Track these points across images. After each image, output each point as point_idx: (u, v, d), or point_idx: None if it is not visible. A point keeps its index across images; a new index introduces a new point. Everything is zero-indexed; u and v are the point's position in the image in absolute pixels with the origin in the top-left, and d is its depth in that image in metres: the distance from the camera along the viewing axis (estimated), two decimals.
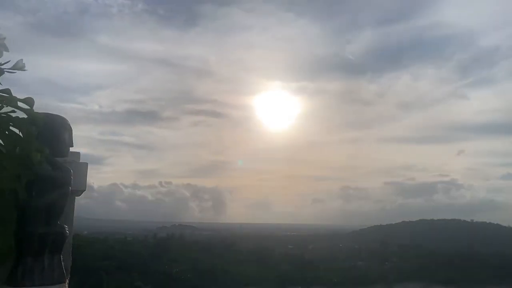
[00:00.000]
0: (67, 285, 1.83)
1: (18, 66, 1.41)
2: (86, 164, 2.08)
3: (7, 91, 1.34)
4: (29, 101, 1.37)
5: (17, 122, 1.33)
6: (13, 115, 1.35)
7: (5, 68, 1.37)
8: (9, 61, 1.38)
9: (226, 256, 64.85)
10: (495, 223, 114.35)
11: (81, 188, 2.02)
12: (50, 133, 1.75)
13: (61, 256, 1.81)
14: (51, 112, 1.84)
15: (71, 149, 1.94)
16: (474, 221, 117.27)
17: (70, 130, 1.90)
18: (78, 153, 2.08)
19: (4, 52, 1.35)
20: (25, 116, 1.37)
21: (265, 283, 56.55)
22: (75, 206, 2.08)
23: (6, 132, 1.32)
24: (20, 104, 1.35)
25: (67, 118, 1.91)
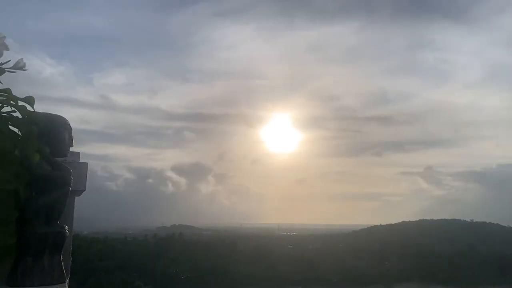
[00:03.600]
0: (67, 285, 1.83)
1: (19, 66, 1.40)
2: (86, 164, 2.08)
3: (8, 90, 1.34)
4: (30, 100, 1.37)
5: (16, 121, 1.33)
6: (14, 114, 1.35)
7: (6, 68, 1.37)
8: (10, 60, 1.38)
9: (226, 256, 64.86)
10: (495, 223, 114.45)
11: (81, 188, 2.02)
12: (50, 133, 1.75)
13: (61, 256, 1.81)
14: (51, 112, 1.84)
15: (71, 149, 1.93)
16: (474, 221, 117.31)
17: (70, 130, 1.90)
18: (78, 153, 2.08)
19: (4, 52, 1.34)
20: (25, 115, 1.36)
21: (265, 283, 56.56)
22: (75, 206, 2.08)
23: (4, 132, 1.31)
24: (20, 103, 1.35)
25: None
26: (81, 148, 2.09)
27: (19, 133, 1.38)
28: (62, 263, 1.82)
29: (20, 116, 1.35)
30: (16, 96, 1.34)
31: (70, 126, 1.91)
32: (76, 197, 2.06)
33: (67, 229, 1.83)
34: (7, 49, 1.34)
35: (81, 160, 2.12)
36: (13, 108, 1.34)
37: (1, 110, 1.34)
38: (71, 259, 2.02)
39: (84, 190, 2.06)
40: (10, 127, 1.35)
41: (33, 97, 1.38)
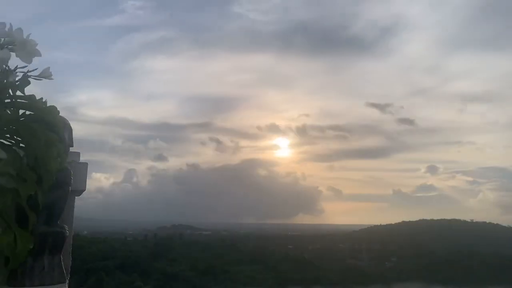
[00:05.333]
0: (67, 285, 1.83)
1: (45, 74, 1.39)
2: (86, 164, 2.08)
3: (32, 97, 1.34)
4: (52, 109, 1.37)
5: (38, 129, 1.32)
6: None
7: (32, 75, 1.36)
8: (37, 68, 1.36)
9: (226, 256, 64.86)
10: (495, 223, 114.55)
11: (81, 188, 2.02)
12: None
13: (61, 256, 1.81)
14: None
15: (71, 149, 1.93)
16: (474, 221, 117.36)
17: (70, 129, 1.90)
18: (78, 153, 2.08)
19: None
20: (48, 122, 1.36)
21: (265, 283, 56.54)
22: (75, 206, 2.08)
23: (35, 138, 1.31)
24: (43, 110, 1.34)
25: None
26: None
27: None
28: (62, 263, 1.81)
29: (40, 123, 1.34)
30: (40, 101, 1.34)
31: (70, 126, 1.91)
32: (76, 197, 2.06)
33: (67, 229, 1.83)
34: (40, 55, 1.34)
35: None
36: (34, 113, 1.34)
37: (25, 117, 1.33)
38: (71, 259, 2.02)
39: (84, 190, 2.06)
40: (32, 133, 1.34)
41: (55, 106, 1.38)
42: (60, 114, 1.94)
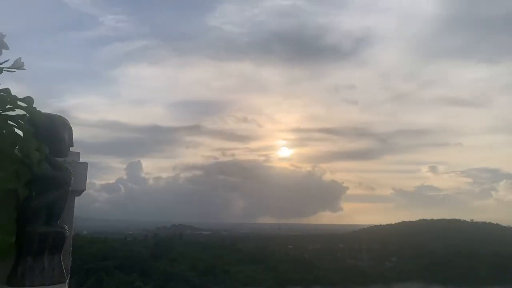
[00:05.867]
0: (67, 285, 1.83)
1: (17, 65, 1.39)
2: (86, 164, 2.07)
3: (6, 90, 1.34)
4: (28, 100, 1.36)
5: (15, 121, 1.32)
6: (13, 114, 1.34)
7: (4, 67, 1.36)
8: (8, 60, 1.37)
9: (226, 256, 64.87)
10: (495, 223, 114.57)
11: (81, 188, 2.02)
12: (50, 133, 1.75)
13: (61, 256, 1.81)
14: (51, 112, 1.84)
15: (71, 149, 1.93)
16: (474, 221, 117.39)
17: (70, 129, 1.90)
18: (78, 153, 2.08)
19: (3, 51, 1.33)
20: (25, 115, 1.36)
21: (265, 283, 56.55)
22: (75, 206, 2.08)
23: (4, 131, 1.31)
24: (19, 103, 1.34)
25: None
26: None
27: (19, 132, 1.37)
28: (62, 263, 1.82)
29: (19, 115, 1.35)
30: (15, 96, 1.34)
31: (70, 126, 1.91)
32: (76, 197, 2.06)
33: (67, 229, 1.83)
34: (7, 48, 1.34)
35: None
36: (10, 107, 1.34)
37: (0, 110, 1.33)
38: (71, 259, 2.02)
39: (84, 190, 2.06)
40: (10, 126, 1.34)
41: (31, 97, 1.38)
42: (59, 115, 1.94)
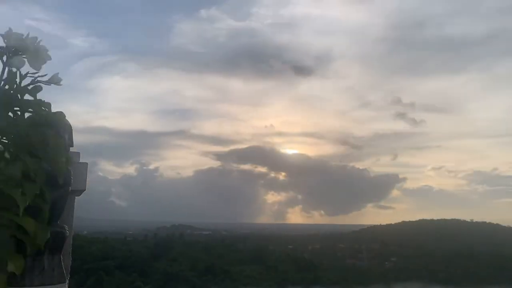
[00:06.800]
0: (67, 285, 1.83)
1: (55, 80, 1.40)
2: (86, 164, 2.08)
3: (48, 105, 1.35)
4: (60, 115, 1.38)
5: (48, 133, 1.33)
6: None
7: (41, 81, 1.36)
8: (47, 74, 1.37)
9: (226, 256, 64.88)
10: (495, 223, 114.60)
11: (81, 188, 2.02)
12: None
13: (61, 256, 1.81)
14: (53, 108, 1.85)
15: (71, 149, 1.94)
16: (474, 221, 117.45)
17: (70, 130, 1.90)
18: (78, 153, 2.08)
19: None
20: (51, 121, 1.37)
21: (265, 283, 56.56)
22: (75, 206, 2.08)
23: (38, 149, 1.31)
24: (51, 115, 1.36)
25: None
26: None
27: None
28: (62, 263, 1.82)
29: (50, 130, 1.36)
30: (48, 105, 1.35)
31: (70, 126, 1.91)
32: (76, 197, 2.06)
33: (67, 229, 1.83)
34: (50, 58, 1.34)
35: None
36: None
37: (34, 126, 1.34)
38: (71, 259, 2.02)
39: (84, 190, 2.06)
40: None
41: (63, 112, 1.40)
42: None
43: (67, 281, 1.84)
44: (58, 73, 1.40)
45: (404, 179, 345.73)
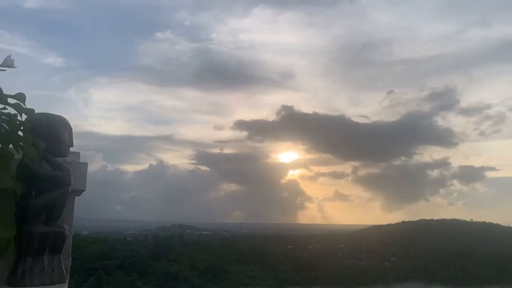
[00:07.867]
0: (67, 285, 1.83)
1: (8, 64, 1.37)
2: (86, 164, 2.08)
3: (21, 97, 1.33)
4: (20, 96, 1.35)
5: (8, 117, 1.31)
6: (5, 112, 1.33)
7: None
8: None
9: (226, 256, 64.88)
10: (495, 223, 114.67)
11: (81, 188, 2.02)
12: (50, 132, 1.76)
13: (61, 256, 1.82)
14: (50, 112, 1.85)
15: (71, 149, 1.94)
16: (474, 221, 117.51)
17: (70, 129, 1.90)
18: (78, 153, 2.09)
19: None
20: (18, 112, 1.35)
21: (265, 283, 56.57)
22: (75, 206, 2.08)
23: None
24: (10, 100, 1.32)
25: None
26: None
27: (10, 129, 1.36)
28: (62, 263, 1.82)
29: (12, 113, 1.34)
30: (6, 94, 1.32)
31: (70, 126, 1.92)
32: (76, 197, 2.07)
33: (67, 229, 1.84)
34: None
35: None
36: (3, 106, 1.32)
37: None
38: (71, 259, 2.03)
39: (84, 190, 2.07)
40: (3, 124, 1.33)
41: (23, 93, 1.37)
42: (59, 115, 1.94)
43: (67, 281, 1.85)
44: (10, 55, 1.37)
45: None
